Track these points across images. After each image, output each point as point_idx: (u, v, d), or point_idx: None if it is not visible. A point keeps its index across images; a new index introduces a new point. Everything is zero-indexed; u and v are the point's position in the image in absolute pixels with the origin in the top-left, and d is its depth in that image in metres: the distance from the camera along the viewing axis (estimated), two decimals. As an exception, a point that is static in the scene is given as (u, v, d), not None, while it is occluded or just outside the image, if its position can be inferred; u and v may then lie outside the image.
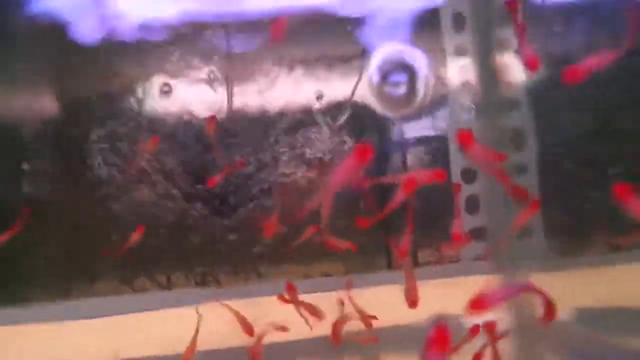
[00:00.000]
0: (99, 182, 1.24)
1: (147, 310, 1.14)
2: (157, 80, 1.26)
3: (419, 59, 1.17)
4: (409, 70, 1.18)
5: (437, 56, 1.27)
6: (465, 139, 1.03)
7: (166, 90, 1.26)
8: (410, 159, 1.23)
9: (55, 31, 1.23)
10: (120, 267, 1.21)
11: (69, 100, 1.27)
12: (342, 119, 1.24)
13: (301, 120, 1.25)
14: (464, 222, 1.18)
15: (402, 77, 1.17)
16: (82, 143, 1.25)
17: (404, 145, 1.23)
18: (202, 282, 1.22)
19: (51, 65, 1.27)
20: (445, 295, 1.08)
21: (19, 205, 1.22)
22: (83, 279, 1.22)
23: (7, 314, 1.12)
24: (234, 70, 1.25)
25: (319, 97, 1.23)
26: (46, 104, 1.27)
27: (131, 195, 1.23)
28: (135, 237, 1.13)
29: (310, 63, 1.26)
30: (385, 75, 1.16)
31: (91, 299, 1.19)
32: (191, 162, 1.25)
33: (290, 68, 1.25)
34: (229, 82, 1.25)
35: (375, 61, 1.18)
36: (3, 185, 1.25)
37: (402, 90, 1.18)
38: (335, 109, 1.24)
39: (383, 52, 1.15)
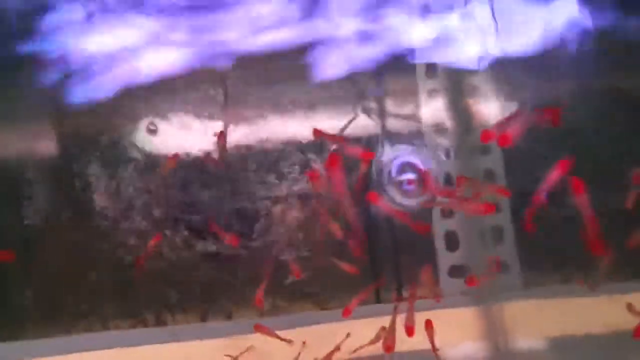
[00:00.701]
0: (95, 218, 1.27)
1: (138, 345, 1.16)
2: (152, 120, 1.32)
3: (427, 162, 1.30)
4: (419, 171, 1.29)
5: (413, 101, 1.36)
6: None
7: (162, 129, 1.32)
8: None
9: (55, 70, 1.28)
10: (113, 302, 1.24)
11: (68, 139, 1.31)
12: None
13: (291, 157, 1.33)
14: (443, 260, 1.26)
15: (413, 175, 1.28)
16: (80, 181, 1.29)
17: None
18: (203, 318, 1.25)
19: (50, 105, 1.32)
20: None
21: (17, 242, 1.24)
22: (74, 315, 1.23)
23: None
24: (230, 111, 1.33)
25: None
26: (45, 143, 1.30)
27: (127, 233, 1.27)
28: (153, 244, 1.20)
29: (304, 102, 1.34)
30: (399, 173, 1.28)
31: (83, 334, 1.21)
32: (188, 199, 1.30)
33: (286, 106, 1.34)
34: (225, 122, 1.32)
35: (392, 163, 1.29)
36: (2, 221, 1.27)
37: (413, 186, 1.28)
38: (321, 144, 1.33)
39: (399, 157, 1.28)
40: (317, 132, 1.24)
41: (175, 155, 1.29)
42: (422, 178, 1.26)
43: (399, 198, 1.26)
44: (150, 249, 1.22)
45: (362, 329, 1.14)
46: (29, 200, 1.29)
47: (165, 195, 1.29)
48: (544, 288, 1.22)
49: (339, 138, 1.27)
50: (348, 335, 1.13)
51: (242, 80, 1.34)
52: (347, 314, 1.12)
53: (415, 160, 1.28)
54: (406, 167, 1.28)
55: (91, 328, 1.22)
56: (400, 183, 1.28)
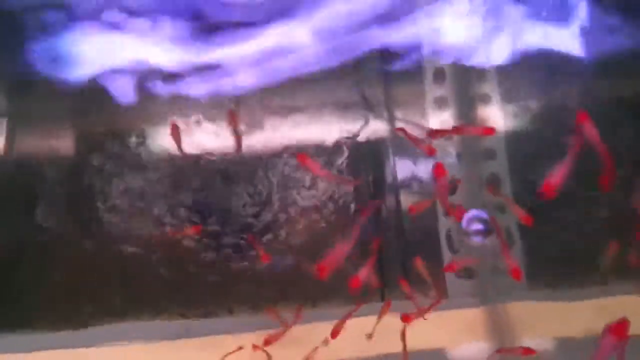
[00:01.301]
0: (108, 219, 1.31)
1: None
2: (167, 123, 1.36)
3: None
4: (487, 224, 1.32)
5: (420, 107, 1.40)
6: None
7: (176, 132, 1.35)
8: (403, 197, 1.34)
9: (73, 75, 1.33)
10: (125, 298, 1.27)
11: (84, 141, 1.36)
12: (341, 160, 1.36)
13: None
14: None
15: (481, 227, 1.31)
16: (94, 181, 1.33)
17: (397, 185, 1.34)
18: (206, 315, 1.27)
19: (67, 108, 1.37)
20: (435, 326, 1.15)
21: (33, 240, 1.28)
22: (88, 309, 1.26)
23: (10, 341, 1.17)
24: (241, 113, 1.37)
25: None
26: (62, 145, 1.35)
27: (138, 233, 1.30)
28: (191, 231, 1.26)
29: (313, 108, 1.38)
30: (469, 224, 1.31)
31: (94, 328, 1.23)
32: (199, 199, 1.33)
33: (295, 112, 1.38)
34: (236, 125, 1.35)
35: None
36: (18, 220, 1.31)
37: (481, 237, 1.31)
38: (334, 151, 1.36)
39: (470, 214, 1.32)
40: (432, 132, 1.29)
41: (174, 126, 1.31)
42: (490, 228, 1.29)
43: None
44: (187, 232, 1.27)
45: (367, 327, 1.16)
46: (44, 199, 1.33)
47: (180, 196, 1.33)
48: (549, 290, 1.23)
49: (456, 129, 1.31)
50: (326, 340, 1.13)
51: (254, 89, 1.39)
52: (335, 336, 1.12)
53: (484, 214, 1.31)
54: (475, 219, 1.32)
55: (102, 322, 1.24)
56: (469, 233, 1.31)
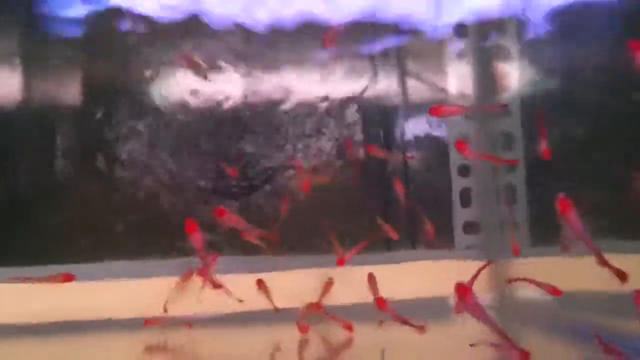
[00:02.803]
0: (119, 156, 1.37)
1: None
2: (175, 68, 1.38)
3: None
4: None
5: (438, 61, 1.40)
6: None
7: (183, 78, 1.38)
8: (413, 153, 1.37)
9: (84, 20, 1.35)
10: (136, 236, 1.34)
11: (95, 85, 1.39)
12: (350, 112, 1.38)
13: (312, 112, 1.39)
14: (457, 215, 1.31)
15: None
16: (106, 124, 1.37)
17: (407, 139, 1.37)
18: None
19: (79, 53, 1.40)
20: (439, 275, 1.20)
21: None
22: (99, 246, 1.33)
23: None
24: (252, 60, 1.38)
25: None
26: (75, 88, 1.38)
27: (145, 170, 1.35)
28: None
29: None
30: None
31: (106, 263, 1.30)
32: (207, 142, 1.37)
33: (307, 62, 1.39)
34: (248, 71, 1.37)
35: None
36: (37, 157, 1.37)
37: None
38: (344, 103, 1.39)
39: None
40: None
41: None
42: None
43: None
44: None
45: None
46: (60, 141, 1.38)
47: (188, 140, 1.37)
48: (550, 247, 1.26)
49: None
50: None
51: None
52: (341, 264, 1.16)
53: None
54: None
55: (114, 258, 1.31)
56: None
